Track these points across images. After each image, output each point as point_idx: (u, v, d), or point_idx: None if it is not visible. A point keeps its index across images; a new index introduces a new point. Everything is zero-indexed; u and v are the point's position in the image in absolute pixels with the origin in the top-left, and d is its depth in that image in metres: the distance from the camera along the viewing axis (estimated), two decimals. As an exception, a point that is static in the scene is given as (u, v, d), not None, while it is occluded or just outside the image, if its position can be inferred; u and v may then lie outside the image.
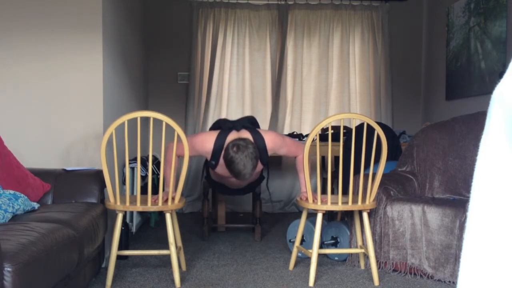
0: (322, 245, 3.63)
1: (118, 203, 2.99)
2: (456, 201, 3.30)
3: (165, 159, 3.35)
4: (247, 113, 5.80)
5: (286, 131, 5.76)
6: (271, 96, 5.81)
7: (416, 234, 3.19)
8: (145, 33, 5.40)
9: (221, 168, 3.65)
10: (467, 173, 3.50)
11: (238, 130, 3.52)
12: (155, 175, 4.28)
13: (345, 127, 4.61)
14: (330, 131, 3.09)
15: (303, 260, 3.58)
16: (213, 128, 3.78)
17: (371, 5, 5.85)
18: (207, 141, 3.52)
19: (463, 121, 3.73)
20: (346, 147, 3.99)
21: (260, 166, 3.71)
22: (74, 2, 3.38)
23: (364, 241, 3.35)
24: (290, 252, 3.78)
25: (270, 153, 3.61)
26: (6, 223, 2.36)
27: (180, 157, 3.45)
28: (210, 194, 4.59)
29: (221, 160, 3.56)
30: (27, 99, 3.38)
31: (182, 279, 3.08)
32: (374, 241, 3.30)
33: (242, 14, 5.78)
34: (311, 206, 3.16)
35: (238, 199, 5.79)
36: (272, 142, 3.55)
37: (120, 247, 3.29)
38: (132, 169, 4.11)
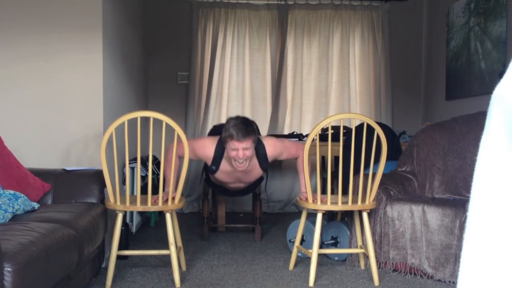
0: (322, 245, 3.63)
1: (118, 203, 2.99)
2: (456, 201, 3.30)
3: (165, 159, 3.36)
4: (247, 113, 5.79)
5: (286, 131, 5.76)
6: (271, 96, 5.81)
7: (416, 234, 3.19)
8: (145, 33, 5.40)
9: (221, 174, 3.65)
10: (467, 173, 3.50)
11: None
12: (155, 175, 4.28)
13: (345, 127, 4.61)
14: (330, 131, 3.09)
15: (303, 260, 3.58)
16: (212, 133, 3.78)
17: (371, 5, 5.85)
18: (208, 147, 3.54)
19: (463, 121, 3.73)
20: (346, 147, 3.99)
21: (259, 172, 3.71)
22: (74, 2, 3.38)
23: (364, 241, 3.35)
24: (290, 252, 3.78)
25: (270, 160, 3.62)
26: (6, 223, 2.36)
27: (181, 158, 3.46)
28: (210, 194, 4.59)
29: (222, 166, 3.57)
30: (27, 99, 3.38)
31: (182, 279, 3.08)
32: (374, 241, 3.30)
33: (242, 14, 5.78)
34: (311, 206, 3.16)
35: (238, 199, 5.79)
36: (273, 148, 3.57)
37: (120, 247, 3.29)
38: (132, 169, 4.11)
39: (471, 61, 4.77)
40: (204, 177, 4.24)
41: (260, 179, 4.11)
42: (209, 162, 3.60)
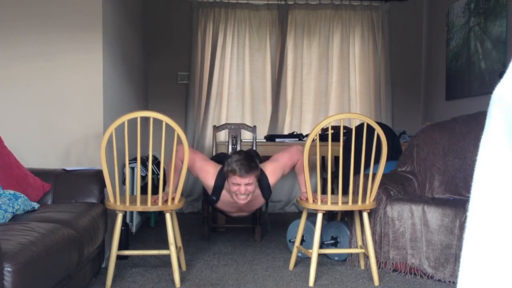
0: (322, 245, 3.63)
1: (118, 203, 2.99)
2: (456, 201, 3.30)
3: (170, 160, 3.34)
4: (247, 113, 5.79)
5: (286, 131, 5.76)
6: (271, 96, 5.81)
7: (416, 234, 3.19)
8: (145, 33, 5.40)
9: (222, 204, 3.58)
10: (467, 173, 3.50)
11: None
12: (155, 175, 4.28)
13: (345, 127, 4.61)
14: (330, 131, 3.09)
15: (303, 260, 3.58)
16: (214, 160, 3.70)
17: (371, 5, 5.85)
18: (210, 175, 3.44)
19: (463, 121, 3.73)
20: (346, 147, 3.99)
21: (262, 201, 3.66)
22: (74, 2, 3.38)
23: (364, 241, 3.35)
24: (290, 252, 3.78)
25: (273, 186, 3.56)
26: (6, 223, 2.36)
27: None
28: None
29: (222, 197, 3.51)
30: (27, 99, 3.38)
31: (182, 279, 3.08)
32: (374, 241, 3.30)
33: (242, 14, 5.78)
34: (311, 206, 3.16)
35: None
36: (274, 176, 3.51)
37: (120, 247, 3.29)
38: (132, 169, 4.11)
39: (471, 61, 4.78)
40: (204, 201, 4.17)
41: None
42: (209, 191, 3.54)
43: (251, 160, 3.28)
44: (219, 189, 3.45)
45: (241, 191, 3.28)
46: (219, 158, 3.75)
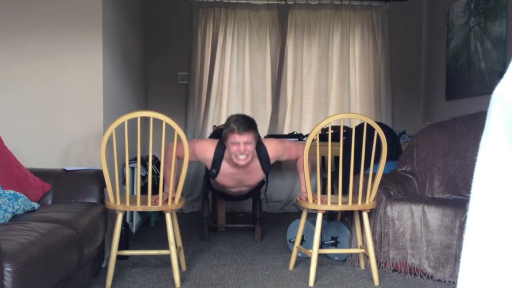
0: (322, 245, 3.63)
1: (118, 203, 2.99)
2: (456, 201, 3.30)
3: (165, 159, 3.36)
4: (247, 113, 5.78)
5: (286, 131, 5.76)
6: (271, 96, 5.81)
7: (416, 234, 3.19)
8: (145, 33, 5.40)
9: (222, 177, 3.64)
10: (467, 173, 3.50)
11: None
12: (155, 175, 4.28)
13: (345, 127, 4.61)
14: (330, 131, 3.09)
15: (303, 260, 3.58)
16: (214, 135, 3.77)
17: (371, 5, 5.85)
18: (208, 150, 3.53)
19: (463, 121, 3.73)
20: (346, 147, 3.99)
21: (261, 175, 3.71)
22: (74, 2, 3.38)
23: (364, 241, 3.35)
24: (290, 252, 3.78)
25: (272, 161, 3.63)
26: (6, 223, 2.36)
27: (180, 160, 3.46)
28: (210, 194, 4.59)
29: (222, 168, 3.56)
30: (27, 99, 3.38)
31: (182, 279, 3.08)
32: (374, 241, 3.30)
33: (242, 14, 5.78)
34: (311, 206, 3.16)
35: (238, 199, 5.77)
36: (274, 151, 3.59)
37: (120, 247, 3.29)
38: (132, 169, 4.11)
39: (471, 61, 4.77)
40: (206, 184, 4.22)
41: (261, 183, 4.10)
42: (209, 165, 3.59)
43: (249, 120, 3.42)
44: (219, 160, 3.53)
45: (240, 150, 3.36)
46: (217, 134, 3.80)
